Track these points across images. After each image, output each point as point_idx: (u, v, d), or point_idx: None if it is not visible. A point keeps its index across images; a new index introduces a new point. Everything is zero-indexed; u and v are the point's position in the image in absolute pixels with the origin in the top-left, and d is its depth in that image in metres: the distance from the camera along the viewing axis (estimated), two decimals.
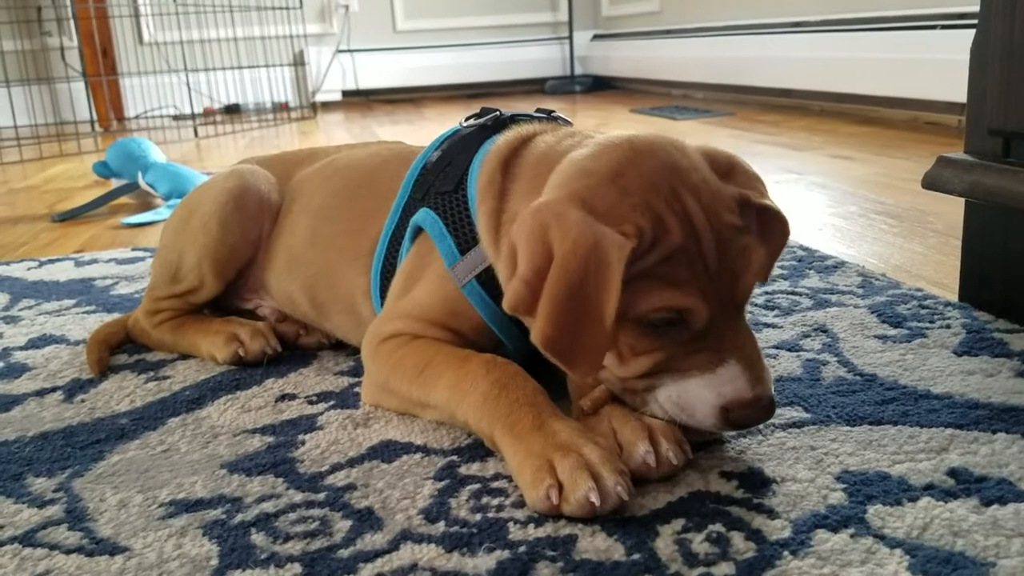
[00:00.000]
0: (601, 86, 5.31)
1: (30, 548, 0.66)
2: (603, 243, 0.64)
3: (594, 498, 0.63)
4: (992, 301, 1.05)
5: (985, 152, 1.02)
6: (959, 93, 2.60)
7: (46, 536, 0.68)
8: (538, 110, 0.94)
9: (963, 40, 2.53)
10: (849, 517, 0.64)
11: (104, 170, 2.20)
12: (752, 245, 0.70)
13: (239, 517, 0.69)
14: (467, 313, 0.82)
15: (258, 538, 0.66)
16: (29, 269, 1.54)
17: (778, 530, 0.63)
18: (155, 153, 2.22)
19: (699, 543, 0.62)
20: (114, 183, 2.22)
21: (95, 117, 4.35)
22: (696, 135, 3.03)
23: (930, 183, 1.07)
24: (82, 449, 0.82)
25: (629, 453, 0.69)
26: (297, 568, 0.62)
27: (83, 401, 0.94)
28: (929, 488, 0.67)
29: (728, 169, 0.74)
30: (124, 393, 0.95)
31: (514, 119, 0.90)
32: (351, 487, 0.72)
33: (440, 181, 0.88)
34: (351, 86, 5.45)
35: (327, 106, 5.37)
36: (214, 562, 0.63)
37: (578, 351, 0.66)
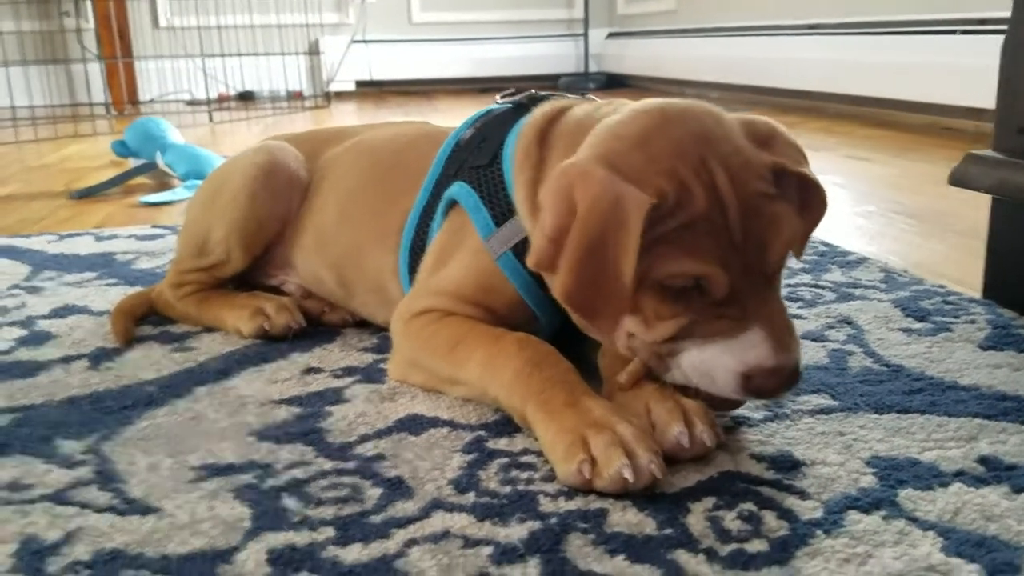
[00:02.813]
0: (615, 84, 5.30)
1: (61, 506, 0.66)
2: (624, 200, 0.64)
3: (628, 474, 0.63)
4: (1016, 299, 1.05)
5: (1014, 150, 1.02)
6: (976, 98, 2.60)
7: (77, 495, 0.68)
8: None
9: (982, 45, 2.54)
10: (881, 500, 0.64)
11: (123, 149, 2.21)
12: (784, 214, 0.68)
13: (270, 482, 0.69)
14: (500, 288, 0.83)
15: (290, 502, 0.66)
16: (49, 242, 1.54)
17: (810, 510, 0.63)
18: (173, 134, 2.23)
19: (731, 520, 0.62)
20: (132, 162, 2.22)
21: (110, 100, 4.36)
22: None
23: (957, 179, 1.07)
24: (110, 414, 0.83)
25: (663, 432, 0.69)
26: (330, 531, 0.62)
27: (109, 369, 0.94)
28: (960, 474, 0.67)
29: (767, 137, 0.73)
30: (150, 362, 0.96)
31: (549, 98, 0.90)
32: (380, 457, 0.73)
33: (474, 156, 0.88)
34: (365, 77, 5.45)
35: (341, 96, 5.37)
36: (247, 524, 0.63)
37: (597, 306, 0.67)
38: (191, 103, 4.56)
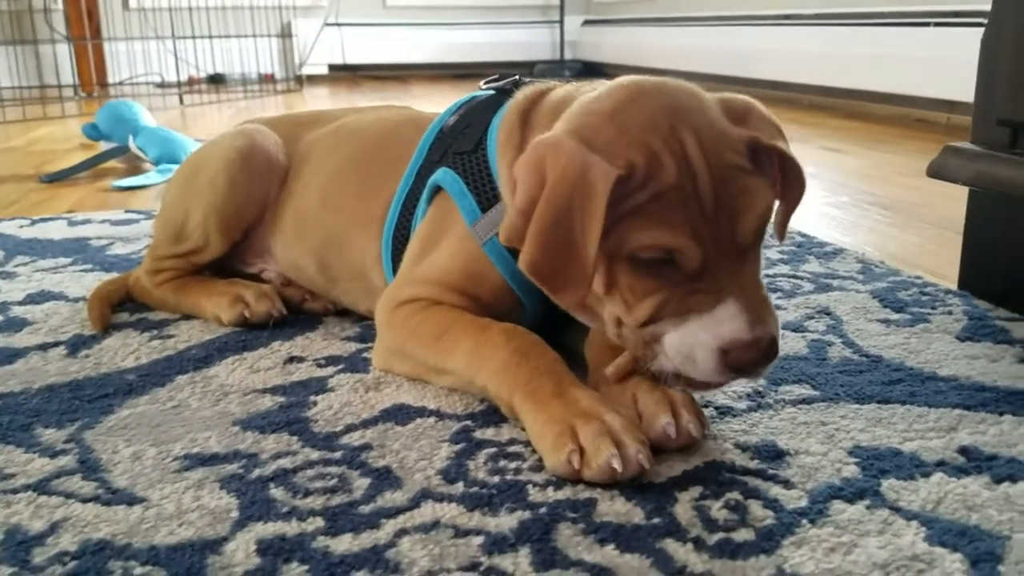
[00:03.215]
0: (591, 72, 5.29)
1: (45, 496, 0.66)
2: (591, 171, 0.65)
3: (616, 464, 0.64)
4: (991, 290, 1.06)
5: (992, 142, 1.03)
6: (949, 91, 2.63)
7: (60, 485, 0.67)
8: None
9: (955, 38, 2.56)
10: (864, 489, 0.65)
11: (94, 132, 2.17)
12: (757, 187, 0.68)
13: (256, 472, 0.69)
14: (486, 274, 0.83)
15: (277, 492, 0.66)
16: (21, 227, 1.51)
17: (795, 499, 0.64)
18: (146, 117, 2.20)
19: (718, 510, 0.63)
20: (103, 146, 2.19)
21: (78, 81, 4.28)
22: None
23: (935, 172, 1.08)
24: (90, 402, 0.82)
25: (650, 423, 0.69)
26: (320, 522, 0.62)
27: (87, 356, 0.93)
28: (941, 464, 0.68)
29: (744, 114, 0.73)
30: (129, 350, 0.94)
31: (532, 83, 0.90)
32: (367, 447, 0.72)
33: (459, 142, 0.88)
34: (338, 60, 5.41)
35: (313, 79, 5.33)
36: (234, 514, 0.63)
37: (562, 277, 0.67)
38: (161, 86, 4.50)
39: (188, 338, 0.98)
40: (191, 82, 4.66)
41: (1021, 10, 0.97)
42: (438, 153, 0.90)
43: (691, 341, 0.66)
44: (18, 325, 1.02)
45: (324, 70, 5.42)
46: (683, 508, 0.63)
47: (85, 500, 0.65)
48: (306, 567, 0.57)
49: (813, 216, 1.58)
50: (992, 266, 1.07)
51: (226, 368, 0.89)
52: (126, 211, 1.65)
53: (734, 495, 0.64)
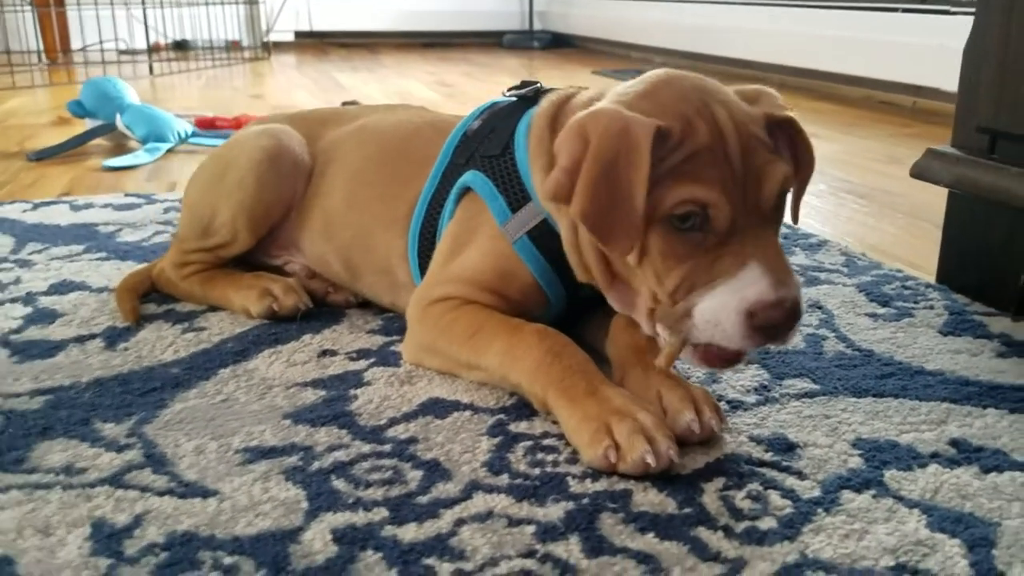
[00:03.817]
0: (560, 43, 5.33)
1: (122, 490, 0.71)
2: (632, 125, 0.71)
3: (650, 459, 0.70)
4: (968, 284, 1.15)
5: (972, 147, 1.11)
6: (915, 76, 2.72)
7: (133, 479, 0.72)
8: (571, 87, 0.99)
9: (922, 25, 2.64)
10: (869, 480, 0.72)
11: (79, 110, 2.17)
12: (776, 159, 0.75)
13: (316, 464, 0.74)
14: (516, 272, 0.88)
15: (339, 484, 0.71)
16: (24, 212, 1.53)
17: (808, 490, 0.71)
18: (131, 95, 2.20)
19: (741, 499, 0.70)
20: (87, 123, 2.19)
21: (42, 48, 4.21)
22: None
23: (919, 173, 1.16)
24: (141, 396, 0.86)
25: (675, 419, 0.76)
26: (384, 512, 0.68)
27: (126, 350, 0.97)
28: (935, 456, 0.76)
29: (756, 96, 0.80)
30: (166, 343, 0.99)
31: (552, 90, 0.96)
32: (413, 440, 0.78)
33: (485, 146, 0.93)
34: (305, 27, 5.38)
35: (279, 47, 5.28)
36: (304, 505, 0.69)
37: (613, 226, 0.72)
38: (124, 52, 4.44)
39: (220, 331, 1.03)
40: (156, 49, 4.60)
41: (1004, 25, 1.04)
42: (463, 156, 0.95)
43: (719, 308, 0.71)
44: (49, 317, 1.06)
45: (290, 37, 5.39)
46: (710, 498, 0.70)
47: (161, 493, 0.70)
48: (380, 554, 0.63)
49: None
50: (969, 262, 1.15)
51: (264, 361, 0.94)
52: (125, 194, 1.67)
53: (755, 486, 0.72)
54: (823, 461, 0.75)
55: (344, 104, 2.48)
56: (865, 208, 1.65)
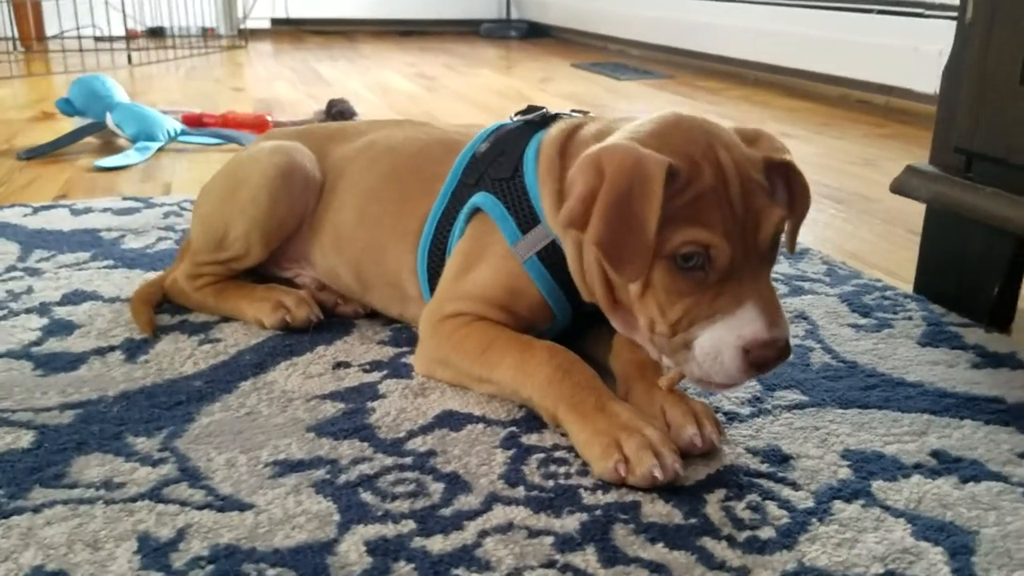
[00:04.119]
0: (537, 33, 5.36)
1: (162, 504, 0.75)
2: (646, 161, 0.77)
3: (657, 473, 0.76)
4: (945, 295, 1.21)
5: (949, 165, 1.17)
6: (887, 76, 2.80)
7: (171, 493, 0.77)
8: (573, 111, 1.04)
9: (895, 27, 2.71)
10: (858, 490, 0.78)
11: (68, 108, 2.18)
12: (772, 205, 0.80)
13: (343, 478, 0.79)
14: (525, 290, 0.94)
15: (367, 497, 0.76)
16: (25, 216, 1.56)
17: (803, 500, 0.77)
18: (120, 93, 2.21)
19: (742, 510, 0.76)
20: (77, 121, 2.20)
21: (16, 35, 4.18)
22: (641, 98, 3.16)
23: (898, 189, 1.22)
24: (168, 410, 0.90)
25: (678, 433, 0.82)
26: (412, 524, 0.73)
27: (147, 362, 1.01)
28: (918, 467, 0.82)
29: (755, 138, 0.86)
30: (184, 355, 1.03)
31: (558, 116, 1.00)
32: (432, 453, 0.83)
33: (495, 168, 0.98)
34: (281, 14, 5.37)
35: (255, 34, 5.26)
36: (336, 517, 0.73)
37: (625, 253, 0.77)
38: (100, 39, 4.41)
39: (235, 342, 1.07)
40: (130, 36, 4.57)
41: (982, 52, 1.10)
42: (473, 177, 1.00)
43: (716, 342, 0.78)
44: (67, 328, 1.09)
45: (267, 24, 5.38)
46: (713, 509, 0.76)
47: (200, 507, 0.75)
48: (412, 565, 0.68)
49: None
50: (946, 273, 1.22)
51: (282, 374, 0.99)
52: (123, 198, 1.70)
53: (754, 496, 0.77)
54: (815, 472, 0.81)
55: (331, 103, 2.51)
56: (843, 214, 1.72)
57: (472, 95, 3.26)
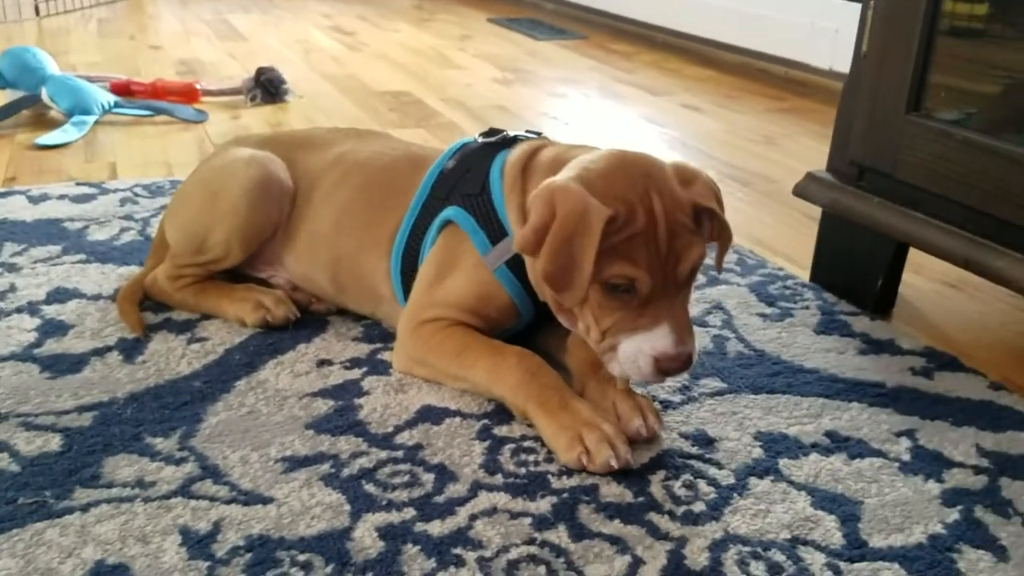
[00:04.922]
0: None
1: (194, 500, 0.88)
2: (590, 210, 0.92)
3: (613, 462, 0.92)
4: (836, 285, 1.41)
5: (844, 174, 1.36)
6: (788, 51, 3.00)
7: (199, 490, 0.89)
8: (527, 131, 1.17)
9: (795, 2, 2.90)
10: (768, 467, 0.97)
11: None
12: (695, 242, 0.96)
13: (346, 471, 0.93)
14: (495, 295, 1.08)
15: (371, 488, 0.90)
16: None
17: (726, 477, 0.95)
18: (52, 65, 2.22)
19: (678, 488, 0.93)
20: (8, 94, 2.21)
21: None
22: (559, 63, 3.28)
23: (800, 192, 1.40)
24: (176, 410, 1.02)
25: (627, 424, 0.98)
26: (412, 511, 0.87)
27: (145, 362, 1.12)
28: (815, 446, 1.01)
29: (692, 179, 1.00)
30: (177, 355, 1.14)
31: (516, 138, 1.14)
32: (419, 446, 0.98)
33: (464, 184, 1.11)
34: None
35: None
36: (347, 508, 0.87)
37: (567, 282, 0.93)
38: None
39: (221, 340, 1.18)
40: None
41: (875, 83, 1.28)
42: (443, 191, 1.13)
43: (635, 351, 0.95)
44: (60, 328, 1.19)
45: None
46: (656, 488, 0.93)
47: (227, 502, 0.88)
48: (419, 547, 0.83)
49: None
50: (838, 265, 1.41)
51: (271, 372, 1.11)
52: (76, 183, 1.75)
53: (687, 476, 0.95)
54: (734, 452, 0.99)
55: (260, 70, 2.56)
56: (748, 196, 1.91)
57: (393, 55, 3.33)
